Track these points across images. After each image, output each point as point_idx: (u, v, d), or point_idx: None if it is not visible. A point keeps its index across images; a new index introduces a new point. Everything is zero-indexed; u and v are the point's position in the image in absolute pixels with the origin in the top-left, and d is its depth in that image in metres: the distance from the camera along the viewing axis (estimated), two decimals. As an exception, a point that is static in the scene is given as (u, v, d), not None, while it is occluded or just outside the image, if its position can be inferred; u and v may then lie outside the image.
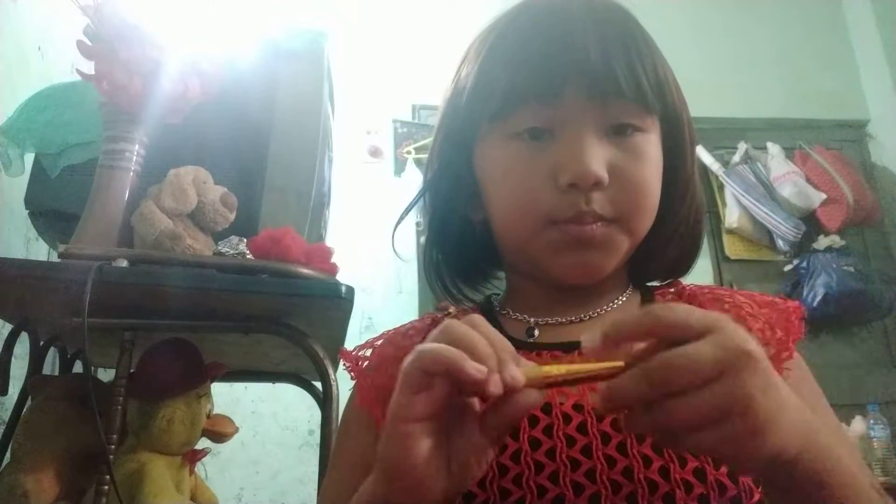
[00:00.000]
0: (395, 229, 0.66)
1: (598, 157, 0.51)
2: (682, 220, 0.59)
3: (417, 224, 0.67)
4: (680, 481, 0.45)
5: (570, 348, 0.52)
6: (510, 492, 0.46)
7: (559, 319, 0.56)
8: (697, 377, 0.33)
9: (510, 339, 0.54)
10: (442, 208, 0.62)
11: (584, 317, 0.56)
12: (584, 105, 0.52)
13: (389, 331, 0.63)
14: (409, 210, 0.65)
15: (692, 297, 0.59)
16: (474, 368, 0.35)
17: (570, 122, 0.52)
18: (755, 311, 0.56)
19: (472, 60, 0.58)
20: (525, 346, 0.53)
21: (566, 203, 0.51)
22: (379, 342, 0.61)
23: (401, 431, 0.37)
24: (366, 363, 0.60)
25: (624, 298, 0.58)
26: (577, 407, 0.49)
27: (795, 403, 0.36)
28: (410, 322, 0.63)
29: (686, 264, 0.61)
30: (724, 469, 0.46)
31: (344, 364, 0.62)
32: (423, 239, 0.65)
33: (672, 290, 0.61)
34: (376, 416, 0.55)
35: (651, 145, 0.54)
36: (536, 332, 0.56)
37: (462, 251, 0.63)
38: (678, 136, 0.57)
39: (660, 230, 0.57)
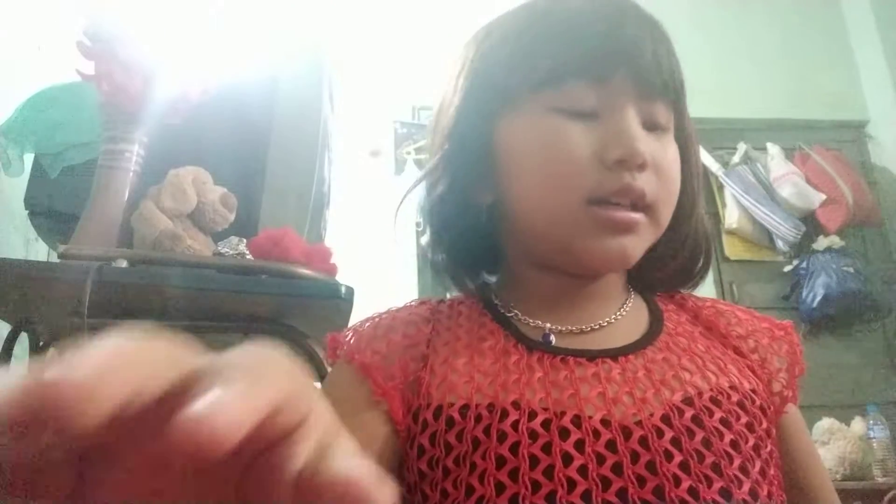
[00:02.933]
0: (396, 211, 0.63)
1: (644, 139, 0.51)
2: (692, 228, 0.59)
3: (417, 224, 0.65)
4: (709, 501, 0.44)
5: (594, 357, 0.52)
6: None
7: (572, 328, 0.55)
8: None
9: (532, 343, 0.54)
10: (450, 188, 0.58)
11: (596, 325, 0.55)
12: (631, 93, 0.52)
13: (383, 314, 0.59)
14: (411, 190, 0.63)
15: (697, 309, 0.59)
16: None
17: (617, 105, 0.52)
18: (758, 327, 0.58)
19: (502, 36, 0.56)
20: (547, 350, 0.53)
21: (612, 178, 0.50)
22: (368, 325, 0.58)
23: None
24: (358, 336, 0.56)
25: (630, 305, 0.58)
26: (605, 422, 0.48)
27: None
28: (406, 307, 0.60)
29: (692, 275, 0.61)
30: (745, 489, 0.45)
31: (328, 356, 0.58)
32: (423, 239, 0.62)
33: (672, 298, 0.61)
34: (375, 381, 0.52)
35: (673, 146, 0.55)
36: (553, 339, 0.54)
37: (464, 237, 0.59)
38: (689, 145, 0.58)
39: (670, 236, 0.56)
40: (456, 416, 0.50)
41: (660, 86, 0.52)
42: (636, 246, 0.52)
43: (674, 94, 0.54)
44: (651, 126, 0.53)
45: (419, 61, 2.78)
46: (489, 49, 0.56)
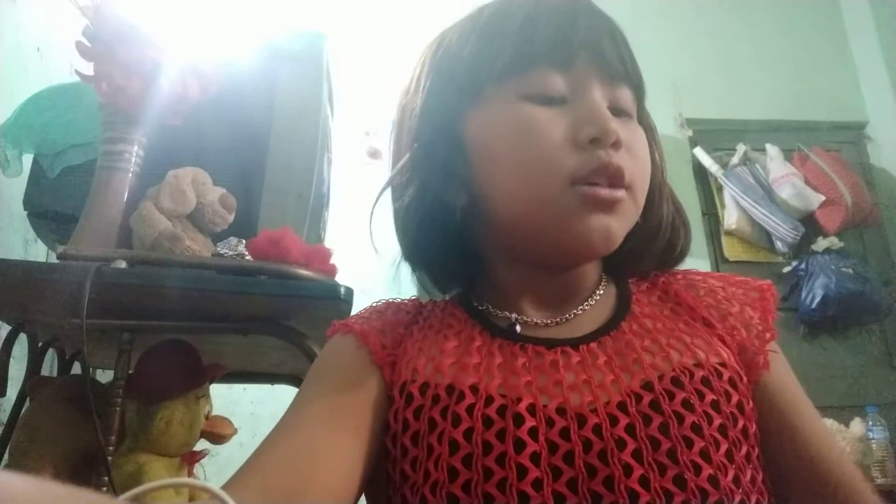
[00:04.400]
0: (371, 215, 0.63)
1: (614, 120, 0.51)
2: (662, 215, 0.59)
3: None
4: (660, 490, 0.43)
5: (552, 345, 0.52)
6: (493, 497, 0.45)
7: (538, 321, 0.55)
8: None
9: (496, 329, 0.55)
10: (421, 192, 0.57)
11: (562, 319, 0.55)
12: (595, 78, 0.53)
13: (377, 302, 0.62)
14: (379, 198, 0.63)
15: (666, 285, 0.59)
16: None
17: (585, 88, 0.52)
18: (729, 294, 0.57)
19: (461, 35, 0.56)
20: (510, 338, 0.53)
21: (589, 157, 0.50)
22: (365, 309, 0.61)
23: None
24: (366, 321, 0.59)
25: (601, 293, 0.57)
26: (560, 410, 0.47)
27: None
28: (399, 300, 0.63)
29: (673, 255, 0.60)
30: (704, 476, 0.44)
31: (327, 336, 0.59)
32: (396, 255, 0.62)
33: (645, 278, 0.61)
34: (374, 348, 0.54)
35: (640, 131, 0.56)
36: (518, 328, 0.55)
37: (440, 247, 0.58)
38: (651, 136, 0.59)
39: (643, 224, 0.56)
40: (415, 392, 0.50)
41: (622, 71, 0.54)
42: (619, 226, 0.52)
43: (635, 80, 0.55)
44: (616, 111, 0.53)
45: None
46: (448, 48, 0.57)
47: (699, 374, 0.49)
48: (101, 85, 0.90)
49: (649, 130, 0.58)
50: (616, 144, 0.51)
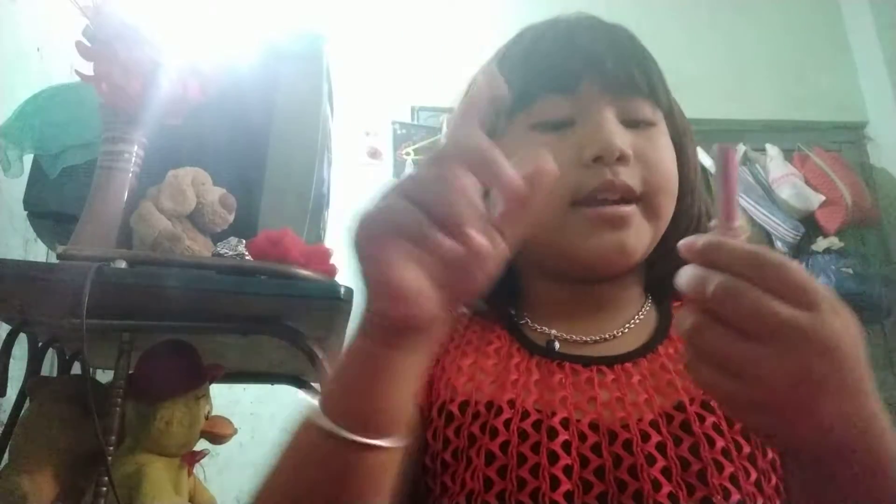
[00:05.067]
0: None
1: (621, 134, 0.52)
2: (693, 220, 0.59)
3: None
4: None
5: (589, 363, 0.52)
6: None
7: (577, 338, 0.56)
8: (773, 336, 0.32)
9: (535, 347, 0.55)
10: None
11: (600, 338, 0.56)
12: (601, 96, 0.54)
13: None
14: None
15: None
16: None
17: (589, 109, 0.53)
18: None
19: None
20: (547, 355, 0.54)
21: (591, 175, 0.51)
22: None
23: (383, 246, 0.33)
24: None
25: (642, 315, 0.58)
26: (593, 426, 0.48)
27: (870, 412, 0.35)
28: None
29: None
30: (733, 501, 0.44)
31: None
32: None
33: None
34: (419, 397, 0.54)
35: (665, 138, 0.56)
36: (557, 346, 0.55)
37: None
38: (682, 139, 0.59)
39: (673, 234, 0.57)
40: (455, 411, 0.51)
41: (629, 84, 0.54)
42: (634, 239, 0.52)
43: (647, 89, 0.55)
44: (632, 123, 0.54)
45: (418, 62, 2.78)
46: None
47: None
48: (101, 85, 0.90)
49: (682, 135, 0.59)
50: (623, 159, 0.51)
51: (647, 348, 0.54)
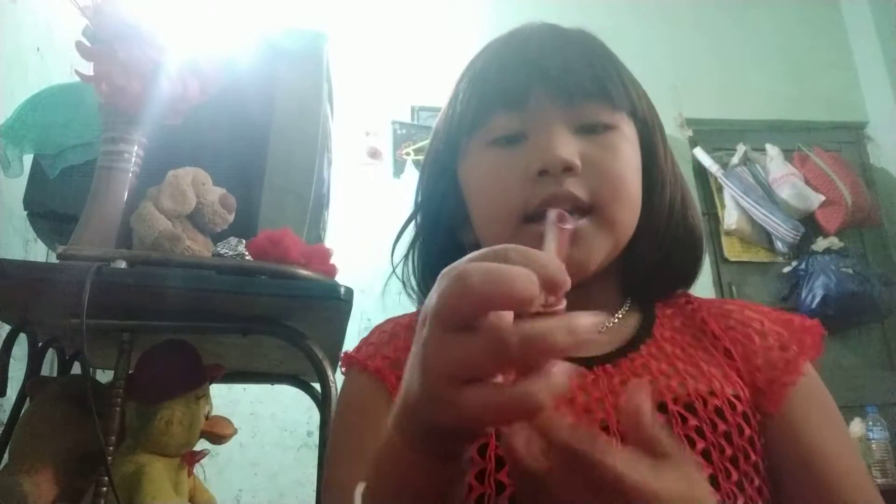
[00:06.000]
0: (393, 247, 0.67)
1: (567, 145, 0.52)
2: (673, 222, 0.58)
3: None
4: None
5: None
6: None
7: None
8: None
9: None
10: (432, 235, 0.63)
11: None
12: (551, 107, 0.54)
13: (385, 324, 0.62)
14: (404, 230, 0.67)
15: (694, 311, 0.58)
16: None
17: (539, 122, 0.54)
18: (766, 328, 0.55)
19: (451, 97, 0.61)
20: None
21: (537, 190, 0.51)
22: (375, 335, 0.61)
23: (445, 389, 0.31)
24: (368, 346, 0.59)
25: (619, 316, 0.58)
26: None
27: None
28: (407, 315, 0.63)
29: (686, 271, 0.61)
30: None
31: (341, 368, 0.61)
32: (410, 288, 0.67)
33: (675, 302, 0.60)
34: (391, 384, 0.54)
35: (624, 141, 0.55)
36: None
37: None
38: (651, 137, 0.58)
39: (646, 232, 0.56)
40: None
41: (578, 90, 0.54)
42: (585, 254, 0.52)
43: (601, 92, 0.54)
44: (589, 128, 0.54)
45: (418, 62, 2.78)
46: (444, 108, 0.63)
47: (713, 402, 0.49)
48: (101, 85, 0.90)
49: (652, 131, 0.58)
50: (569, 170, 0.51)
51: (629, 348, 0.54)
